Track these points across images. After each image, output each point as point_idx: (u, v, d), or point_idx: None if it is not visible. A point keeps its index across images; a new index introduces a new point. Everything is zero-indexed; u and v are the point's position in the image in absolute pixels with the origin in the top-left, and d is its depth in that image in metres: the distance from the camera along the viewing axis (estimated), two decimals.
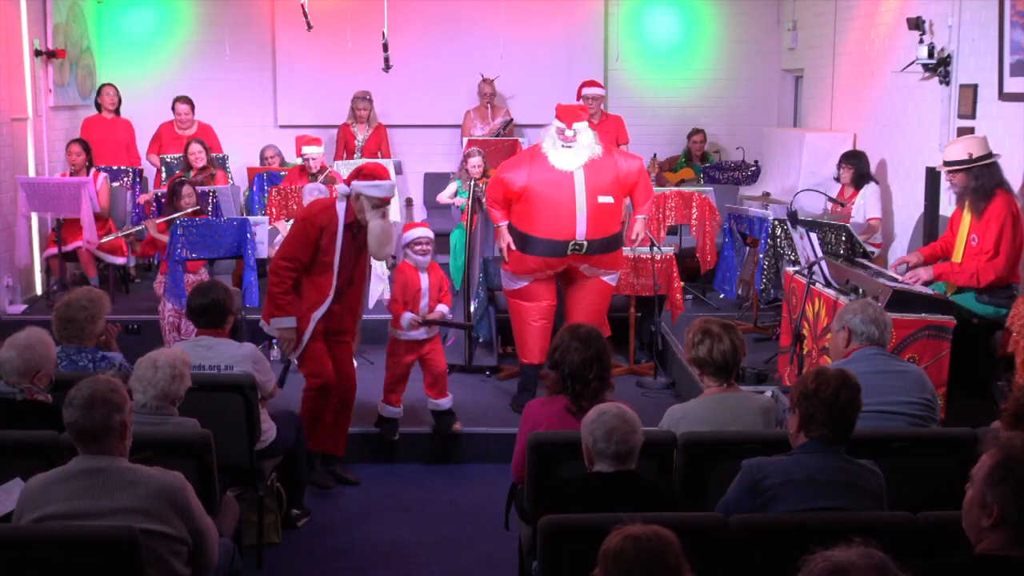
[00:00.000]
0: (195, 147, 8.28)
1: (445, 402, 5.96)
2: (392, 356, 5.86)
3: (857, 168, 7.57)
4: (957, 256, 5.56)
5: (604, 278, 6.27)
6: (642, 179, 6.15)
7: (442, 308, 5.86)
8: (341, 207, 5.32)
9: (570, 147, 5.93)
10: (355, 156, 9.50)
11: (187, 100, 9.12)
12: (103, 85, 9.19)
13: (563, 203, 5.92)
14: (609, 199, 5.98)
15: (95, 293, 4.61)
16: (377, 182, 5.29)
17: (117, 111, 9.13)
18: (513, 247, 6.13)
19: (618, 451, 3.26)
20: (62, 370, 4.25)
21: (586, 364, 3.90)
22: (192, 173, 8.13)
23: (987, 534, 2.37)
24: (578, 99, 9.22)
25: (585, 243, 6.00)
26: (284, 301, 5.29)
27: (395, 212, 8.75)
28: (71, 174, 8.15)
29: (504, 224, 6.17)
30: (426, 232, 5.88)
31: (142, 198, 8.66)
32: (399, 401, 5.91)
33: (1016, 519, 2.32)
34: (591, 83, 9.20)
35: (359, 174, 5.36)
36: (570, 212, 5.92)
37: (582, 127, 5.95)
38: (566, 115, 5.99)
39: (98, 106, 9.10)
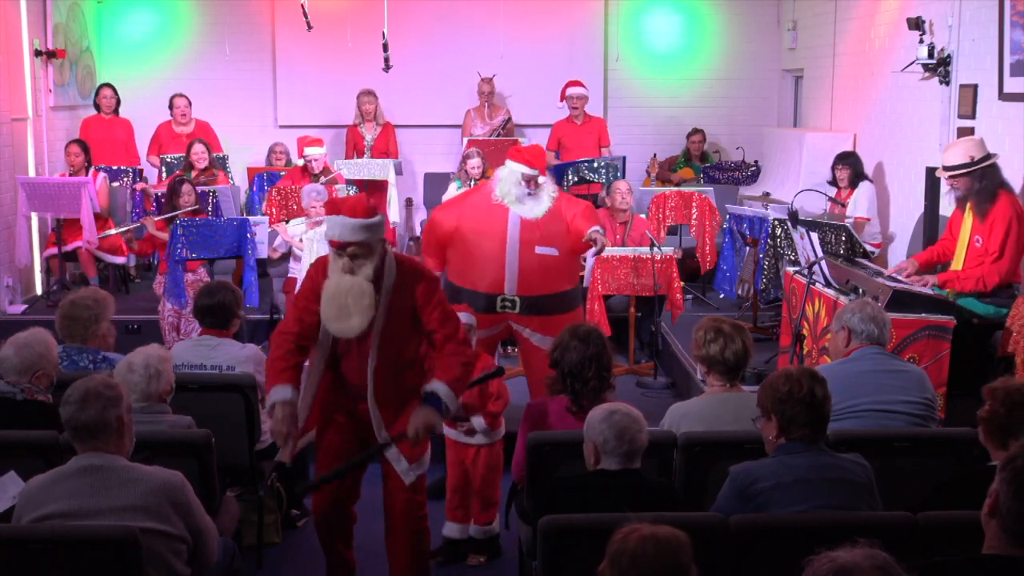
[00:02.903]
0: (198, 147, 8.26)
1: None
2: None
3: (854, 168, 7.61)
4: (959, 258, 5.54)
5: None
6: (588, 214, 5.28)
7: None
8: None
9: (535, 195, 5.15)
10: (365, 156, 9.47)
11: (184, 96, 9.14)
12: (101, 86, 9.19)
13: (492, 250, 5.13)
14: (551, 251, 5.14)
15: (101, 294, 4.59)
16: (331, 217, 3.71)
17: (116, 111, 9.12)
18: None
19: (629, 450, 3.27)
20: (64, 370, 4.24)
21: (585, 363, 3.91)
22: (194, 174, 8.11)
23: (987, 523, 2.40)
24: (562, 99, 9.23)
25: (516, 300, 5.17)
26: (272, 369, 3.85)
27: (394, 212, 8.77)
28: (70, 175, 8.15)
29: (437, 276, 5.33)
30: (465, 318, 4.36)
31: (139, 185, 8.64)
32: (459, 518, 4.80)
33: (1004, 509, 2.35)
34: (575, 83, 9.20)
35: None
36: (499, 261, 5.12)
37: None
38: (536, 159, 5.15)
39: (97, 107, 9.10)
